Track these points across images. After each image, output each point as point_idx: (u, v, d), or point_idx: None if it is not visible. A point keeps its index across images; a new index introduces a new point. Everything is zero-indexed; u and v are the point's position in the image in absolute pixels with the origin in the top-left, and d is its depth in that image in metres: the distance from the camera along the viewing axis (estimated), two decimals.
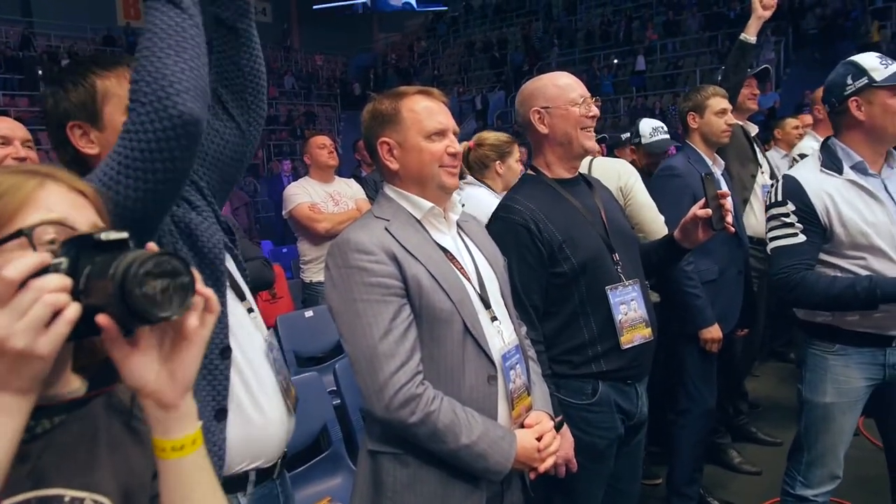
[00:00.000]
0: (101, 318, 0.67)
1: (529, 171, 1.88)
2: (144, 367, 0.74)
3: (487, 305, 1.46)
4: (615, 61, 17.04)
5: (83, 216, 0.78)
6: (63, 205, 0.77)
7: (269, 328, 1.44)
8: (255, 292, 1.61)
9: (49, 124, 1.24)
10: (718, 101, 2.74)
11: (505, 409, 1.43)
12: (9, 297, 0.64)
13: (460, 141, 1.59)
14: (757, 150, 3.33)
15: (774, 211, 2.00)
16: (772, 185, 2.14)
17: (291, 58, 22.25)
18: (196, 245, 1.24)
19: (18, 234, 0.71)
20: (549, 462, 1.44)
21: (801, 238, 1.92)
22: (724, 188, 2.65)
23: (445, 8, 23.85)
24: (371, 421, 1.43)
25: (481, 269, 1.50)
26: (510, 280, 1.63)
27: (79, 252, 0.70)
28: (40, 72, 15.22)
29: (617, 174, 2.73)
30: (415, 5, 23.60)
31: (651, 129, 3.46)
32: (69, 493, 0.76)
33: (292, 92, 19.93)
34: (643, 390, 1.84)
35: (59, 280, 0.66)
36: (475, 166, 2.70)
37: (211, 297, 0.76)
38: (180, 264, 0.70)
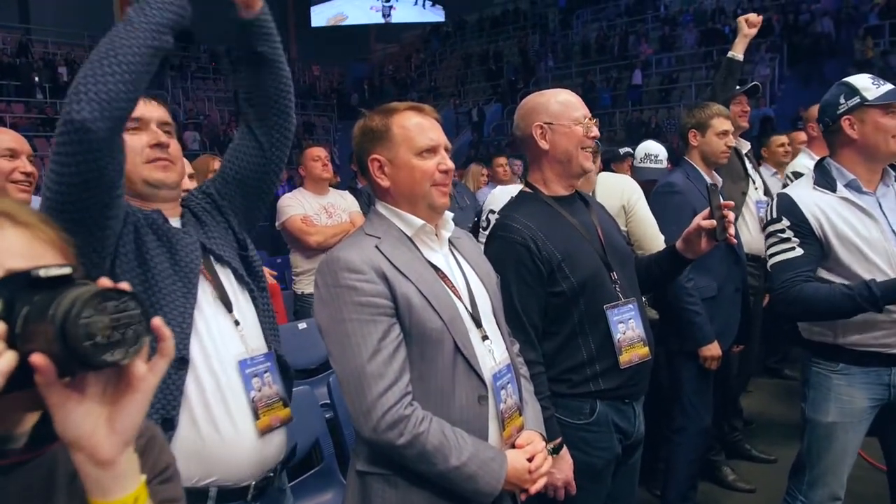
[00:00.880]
0: (36, 358, 0.60)
1: (525, 189, 1.87)
2: (81, 416, 0.64)
3: (479, 324, 1.43)
4: (614, 75, 17.13)
5: (25, 252, 0.70)
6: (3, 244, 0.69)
7: None
8: None
9: None
10: (721, 123, 2.74)
11: (496, 429, 1.40)
12: None
13: (457, 154, 1.59)
14: (749, 166, 3.34)
15: (771, 228, 2.03)
16: (767, 203, 2.15)
17: (289, 68, 22.28)
18: (175, 257, 1.29)
19: None
20: (541, 483, 1.42)
21: (799, 251, 1.94)
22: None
23: (443, 20, 23.95)
24: (360, 441, 1.40)
25: (473, 288, 1.48)
26: (509, 300, 1.62)
27: (14, 292, 0.63)
28: (37, 79, 15.22)
29: (620, 190, 2.75)
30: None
31: (644, 153, 3.45)
32: None
33: None
34: (640, 409, 1.83)
35: None
36: None
37: (166, 339, 0.68)
38: (131, 302, 0.63)
